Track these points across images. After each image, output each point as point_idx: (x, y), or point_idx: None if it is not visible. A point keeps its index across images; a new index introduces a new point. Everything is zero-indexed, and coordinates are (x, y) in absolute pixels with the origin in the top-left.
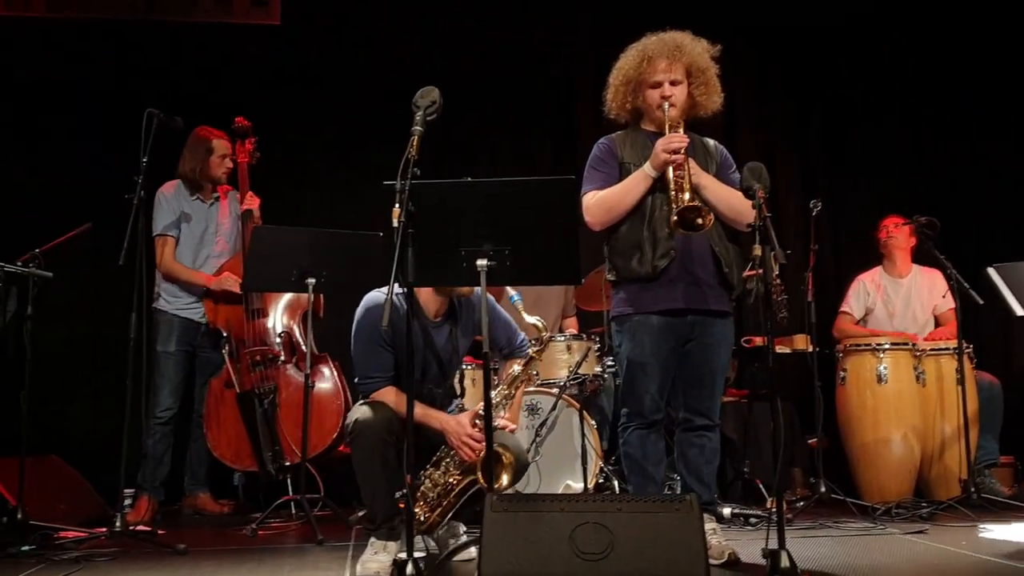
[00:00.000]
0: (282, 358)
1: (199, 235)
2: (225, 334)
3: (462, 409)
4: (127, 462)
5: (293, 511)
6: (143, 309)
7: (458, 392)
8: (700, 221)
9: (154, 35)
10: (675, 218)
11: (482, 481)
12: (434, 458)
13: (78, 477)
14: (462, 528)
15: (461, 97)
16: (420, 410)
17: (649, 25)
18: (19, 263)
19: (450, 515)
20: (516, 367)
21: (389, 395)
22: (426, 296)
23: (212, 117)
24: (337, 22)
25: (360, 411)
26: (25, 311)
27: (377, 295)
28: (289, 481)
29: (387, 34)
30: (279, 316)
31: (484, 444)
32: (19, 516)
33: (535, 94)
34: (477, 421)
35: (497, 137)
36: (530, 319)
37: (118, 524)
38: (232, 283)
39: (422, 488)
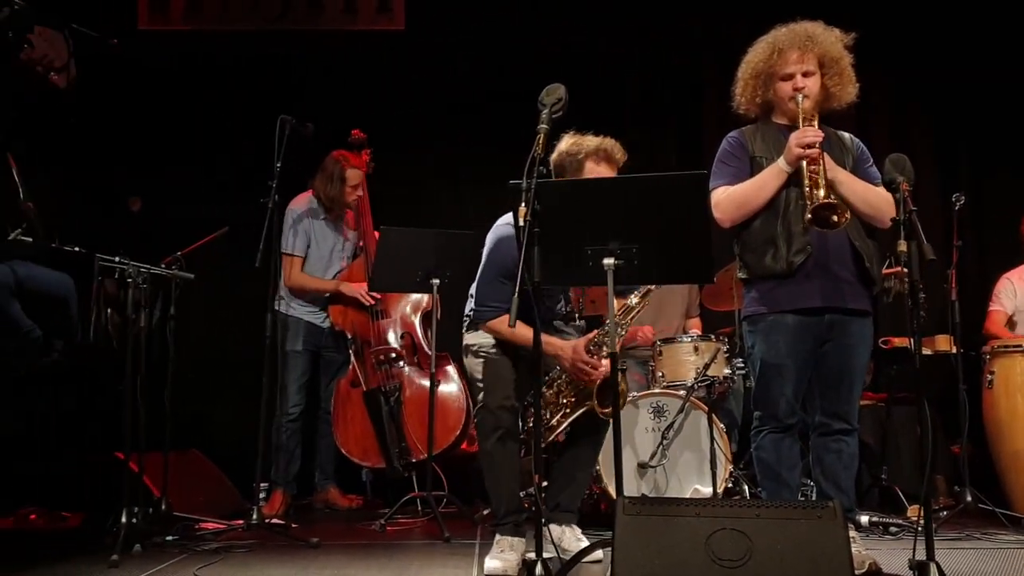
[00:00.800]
0: (405, 357)
1: (327, 254)
2: (351, 336)
3: (581, 332)
4: (262, 457)
5: (419, 508)
6: (276, 310)
7: (576, 313)
8: (835, 219)
9: (284, 43)
10: (809, 216)
11: (598, 408)
12: (546, 378)
13: (216, 471)
14: (579, 530)
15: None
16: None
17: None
18: (162, 265)
19: (558, 432)
20: (633, 298)
21: (504, 324)
22: None
23: (334, 125)
24: (461, 27)
25: (485, 392)
26: (168, 312)
27: (508, 229)
28: (415, 478)
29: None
30: (401, 317)
31: (598, 370)
32: (163, 507)
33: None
34: (591, 347)
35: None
36: None
37: (255, 517)
38: (358, 293)
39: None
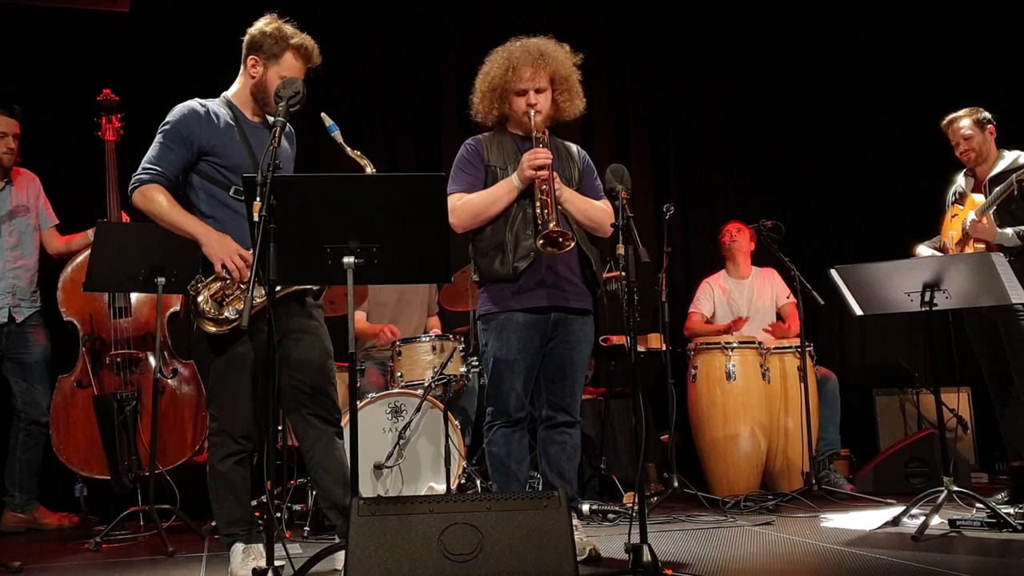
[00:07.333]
0: (146, 362)
1: None
2: (85, 332)
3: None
4: None
5: (142, 523)
6: None
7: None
8: (562, 241)
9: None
10: (541, 241)
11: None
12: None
13: None
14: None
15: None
16: (180, 216)
17: (515, 20)
18: None
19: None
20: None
21: (157, 193)
22: (242, 97)
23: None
24: (187, 10)
25: (219, 407)
26: None
27: (191, 102)
28: (139, 491)
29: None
30: (145, 315)
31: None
32: None
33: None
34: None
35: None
36: (353, 152)
37: None
38: None
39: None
